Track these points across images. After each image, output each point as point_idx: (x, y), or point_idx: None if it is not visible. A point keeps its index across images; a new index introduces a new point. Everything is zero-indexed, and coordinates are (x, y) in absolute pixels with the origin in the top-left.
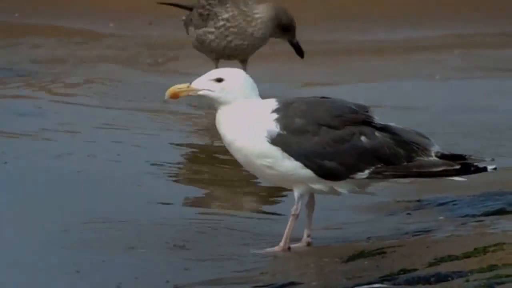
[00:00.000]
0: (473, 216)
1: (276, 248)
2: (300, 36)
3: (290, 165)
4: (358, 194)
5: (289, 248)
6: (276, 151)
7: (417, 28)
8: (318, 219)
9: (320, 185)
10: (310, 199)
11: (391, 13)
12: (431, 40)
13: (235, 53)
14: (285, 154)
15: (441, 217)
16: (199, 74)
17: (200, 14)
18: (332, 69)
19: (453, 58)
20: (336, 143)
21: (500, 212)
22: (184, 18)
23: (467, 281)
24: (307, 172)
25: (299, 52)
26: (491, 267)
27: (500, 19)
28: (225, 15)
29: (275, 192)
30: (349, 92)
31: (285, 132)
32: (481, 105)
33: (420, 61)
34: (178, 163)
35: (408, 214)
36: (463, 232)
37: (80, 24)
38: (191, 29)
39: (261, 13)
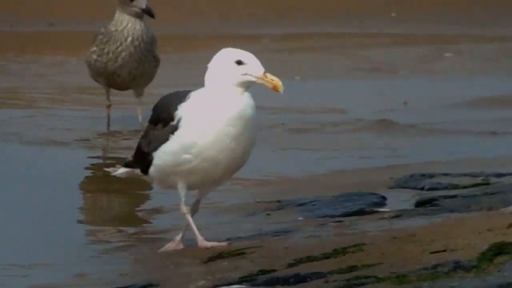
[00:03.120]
0: (332, 216)
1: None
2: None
3: None
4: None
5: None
6: None
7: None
8: (178, 219)
9: None
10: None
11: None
12: None
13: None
14: None
15: (300, 218)
16: None
17: (91, 39)
18: None
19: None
20: None
21: (359, 212)
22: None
23: (326, 282)
24: None
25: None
26: (351, 268)
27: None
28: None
29: None
30: None
31: None
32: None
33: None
34: None
35: (268, 214)
36: (322, 233)
37: None
38: (84, 58)
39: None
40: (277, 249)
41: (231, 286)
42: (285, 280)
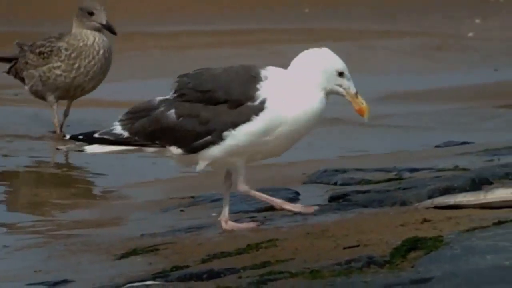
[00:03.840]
0: (246, 212)
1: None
2: None
3: None
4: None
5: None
6: None
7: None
8: (92, 214)
9: None
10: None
11: None
12: None
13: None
14: None
15: (214, 214)
16: None
17: (40, 53)
18: None
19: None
20: None
21: (273, 208)
22: (7, 71)
23: (240, 277)
24: None
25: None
26: (264, 264)
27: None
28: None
29: None
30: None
31: None
32: None
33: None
34: None
35: (182, 210)
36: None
37: None
38: (31, 73)
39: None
40: (191, 245)
41: (145, 283)
42: (198, 276)
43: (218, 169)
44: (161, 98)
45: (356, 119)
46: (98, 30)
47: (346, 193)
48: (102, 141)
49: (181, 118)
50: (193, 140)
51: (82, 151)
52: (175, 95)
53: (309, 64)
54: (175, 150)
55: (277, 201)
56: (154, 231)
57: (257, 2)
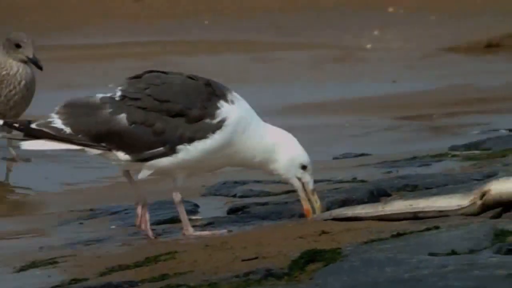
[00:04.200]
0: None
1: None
2: None
3: None
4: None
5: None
6: None
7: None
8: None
9: None
10: None
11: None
12: None
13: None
14: None
15: (113, 226)
16: None
17: None
18: None
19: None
20: None
21: (172, 220)
22: None
23: None
24: None
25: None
26: (163, 276)
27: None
28: None
29: None
30: None
31: None
32: None
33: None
34: None
35: (81, 223)
36: (135, 241)
37: None
38: None
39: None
40: (90, 258)
41: None
42: None
43: (159, 177)
44: (102, 95)
45: None
46: (24, 62)
47: (245, 205)
48: (40, 134)
49: (134, 125)
50: (144, 149)
51: (13, 139)
52: (123, 97)
53: (279, 147)
54: (122, 155)
55: (190, 228)
56: (53, 244)
57: (157, 14)
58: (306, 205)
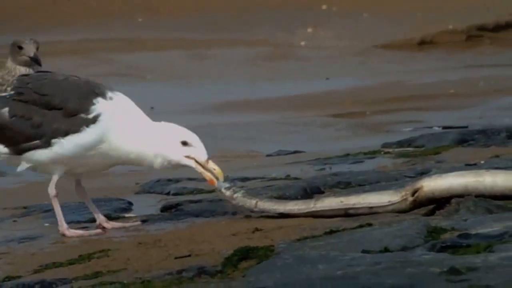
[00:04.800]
0: (79, 222)
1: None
2: None
3: None
4: None
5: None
6: None
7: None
8: None
9: None
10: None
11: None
12: None
13: None
14: None
15: (46, 224)
16: None
17: None
18: None
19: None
20: None
21: (106, 218)
22: None
23: None
24: None
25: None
26: (96, 274)
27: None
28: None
29: None
30: None
31: None
32: None
33: None
34: None
35: (15, 221)
36: (68, 239)
37: None
38: None
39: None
40: (24, 256)
41: None
42: (30, 286)
43: (40, 173)
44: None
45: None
46: (28, 64)
47: (178, 202)
48: None
49: (14, 118)
50: (22, 142)
51: None
52: (12, 93)
53: (157, 140)
54: (1, 148)
55: (63, 223)
56: None
57: (91, 12)
58: (206, 176)
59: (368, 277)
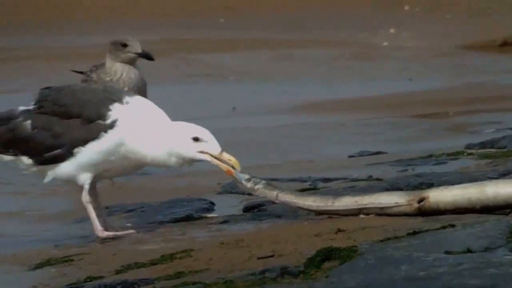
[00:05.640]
0: (161, 222)
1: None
2: None
3: None
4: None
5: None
6: None
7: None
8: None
9: None
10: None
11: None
12: None
13: None
14: None
15: (128, 224)
16: None
17: (82, 81)
18: None
19: None
20: None
21: (188, 218)
22: None
23: None
24: None
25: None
26: (178, 274)
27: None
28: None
29: None
30: None
31: None
32: None
33: None
34: None
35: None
36: (150, 239)
37: None
38: None
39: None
40: (105, 256)
41: None
42: (112, 287)
43: (66, 183)
44: (24, 108)
45: (274, 132)
46: (132, 62)
47: (261, 203)
48: None
49: (36, 130)
50: (44, 152)
51: None
52: (35, 106)
53: (169, 139)
54: (26, 160)
55: (97, 227)
56: (68, 242)
57: (173, 12)
58: (223, 167)
59: (450, 278)
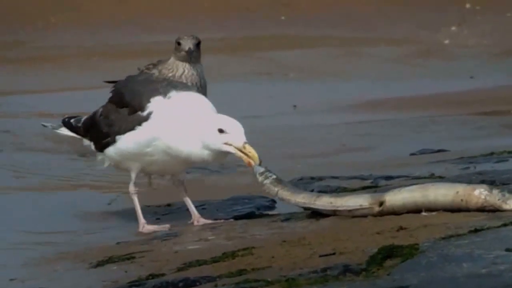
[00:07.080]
0: (223, 219)
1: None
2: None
3: None
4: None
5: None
6: None
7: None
8: (58, 225)
9: None
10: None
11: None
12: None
13: None
14: None
15: (190, 222)
16: None
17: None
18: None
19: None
20: None
21: (249, 216)
22: None
23: (216, 286)
24: None
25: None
26: (240, 272)
27: None
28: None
29: None
30: None
31: None
32: None
33: None
34: None
35: (158, 219)
36: (212, 237)
37: None
38: None
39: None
40: (167, 253)
41: None
42: (174, 284)
43: (119, 170)
44: None
45: (334, 130)
46: (186, 60)
47: None
48: (67, 124)
49: (101, 117)
50: (101, 139)
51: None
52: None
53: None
54: (92, 146)
55: (141, 219)
56: (130, 239)
57: (232, 10)
58: (244, 159)
59: (511, 275)
